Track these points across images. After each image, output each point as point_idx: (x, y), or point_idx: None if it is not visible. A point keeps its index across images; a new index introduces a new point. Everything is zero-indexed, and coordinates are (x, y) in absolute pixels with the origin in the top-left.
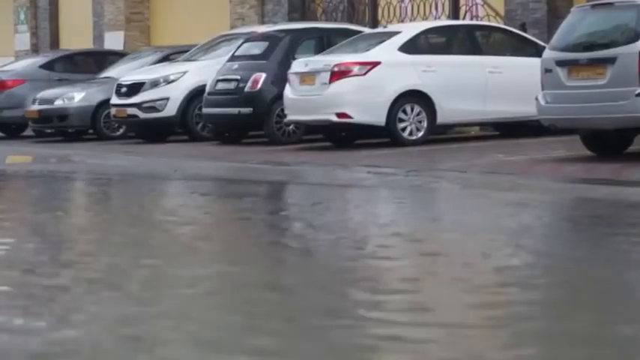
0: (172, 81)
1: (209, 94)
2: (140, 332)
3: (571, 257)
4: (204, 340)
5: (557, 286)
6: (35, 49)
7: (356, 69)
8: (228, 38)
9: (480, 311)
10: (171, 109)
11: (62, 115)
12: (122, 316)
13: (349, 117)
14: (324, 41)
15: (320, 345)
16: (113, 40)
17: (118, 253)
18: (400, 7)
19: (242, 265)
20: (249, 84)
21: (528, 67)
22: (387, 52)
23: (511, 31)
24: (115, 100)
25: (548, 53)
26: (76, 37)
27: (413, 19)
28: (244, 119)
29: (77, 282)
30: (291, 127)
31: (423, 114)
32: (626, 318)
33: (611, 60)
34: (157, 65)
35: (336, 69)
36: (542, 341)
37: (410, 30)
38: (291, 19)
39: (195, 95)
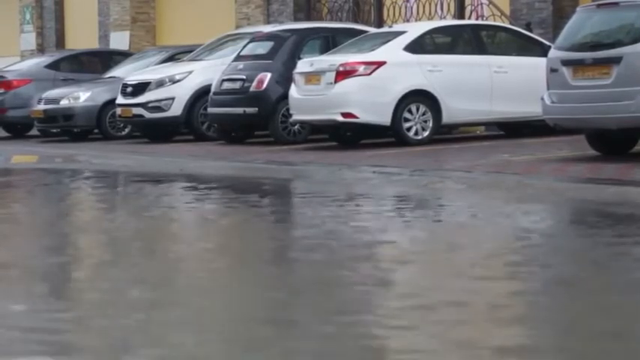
0: (178, 81)
1: (214, 93)
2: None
3: (577, 258)
4: None
5: (563, 288)
6: (41, 49)
7: (361, 69)
8: (233, 38)
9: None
10: (176, 109)
11: (68, 114)
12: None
13: (355, 117)
14: (329, 41)
15: None
16: (119, 40)
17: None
18: (405, 6)
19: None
20: (254, 84)
21: (534, 67)
22: (392, 51)
23: (516, 31)
24: (120, 99)
25: (553, 53)
26: (81, 37)
27: (418, 19)
28: (250, 119)
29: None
30: (296, 126)
31: (429, 114)
32: (632, 317)
33: (616, 60)
34: (163, 65)
35: (341, 69)
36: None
37: (415, 30)
38: (296, 19)
39: (201, 95)
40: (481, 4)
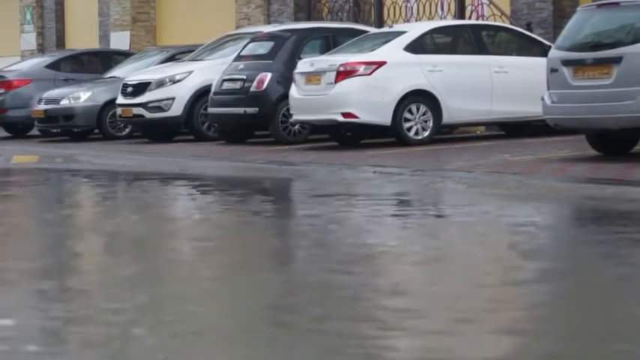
0: (178, 81)
1: (215, 93)
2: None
3: (578, 258)
4: None
5: (564, 288)
6: (41, 49)
7: (362, 69)
8: (233, 38)
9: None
10: (176, 109)
11: (68, 114)
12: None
13: (355, 117)
14: (329, 41)
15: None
16: (119, 40)
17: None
18: (406, 6)
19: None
20: (254, 84)
21: (534, 67)
22: (392, 51)
23: (517, 31)
24: (120, 99)
25: (554, 53)
26: (81, 37)
27: (419, 19)
28: (250, 119)
29: None
30: (296, 126)
31: (429, 114)
32: (631, 317)
33: (616, 60)
34: (163, 65)
35: (341, 69)
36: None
37: (415, 30)
38: (296, 19)
39: (201, 95)
40: (481, 4)
